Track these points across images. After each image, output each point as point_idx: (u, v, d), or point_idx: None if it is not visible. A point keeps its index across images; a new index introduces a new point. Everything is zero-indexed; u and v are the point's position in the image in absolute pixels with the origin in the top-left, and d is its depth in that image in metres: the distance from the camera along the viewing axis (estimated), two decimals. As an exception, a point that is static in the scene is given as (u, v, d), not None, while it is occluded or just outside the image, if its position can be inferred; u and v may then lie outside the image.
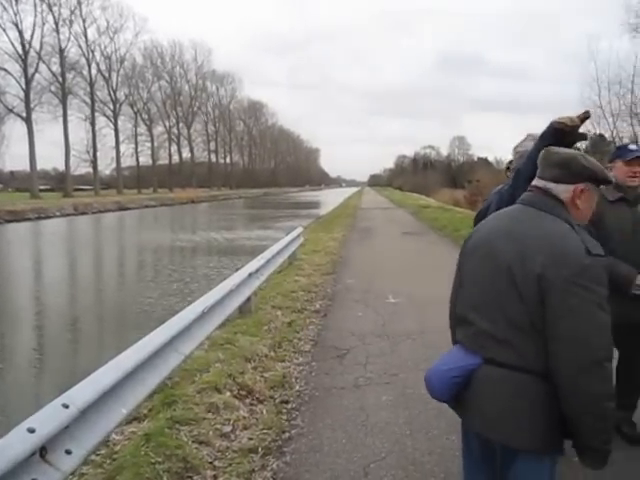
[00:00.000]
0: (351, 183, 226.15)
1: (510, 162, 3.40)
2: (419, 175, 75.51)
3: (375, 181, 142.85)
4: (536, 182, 2.01)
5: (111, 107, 67.17)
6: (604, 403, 1.76)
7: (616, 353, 3.63)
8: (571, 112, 2.48)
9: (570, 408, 1.79)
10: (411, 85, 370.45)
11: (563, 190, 1.91)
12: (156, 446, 3.32)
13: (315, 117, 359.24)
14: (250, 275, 6.59)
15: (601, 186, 1.99)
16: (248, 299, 6.56)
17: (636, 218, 3.30)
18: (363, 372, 4.87)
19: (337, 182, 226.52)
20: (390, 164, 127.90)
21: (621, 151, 3.39)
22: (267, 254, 8.11)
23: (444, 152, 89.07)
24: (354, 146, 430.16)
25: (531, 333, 1.81)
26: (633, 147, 3.38)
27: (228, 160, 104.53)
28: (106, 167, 70.15)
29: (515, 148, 3.26)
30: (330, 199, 57.65)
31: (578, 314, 1.75)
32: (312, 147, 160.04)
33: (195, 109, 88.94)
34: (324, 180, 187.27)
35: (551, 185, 1.93)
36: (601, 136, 22.30)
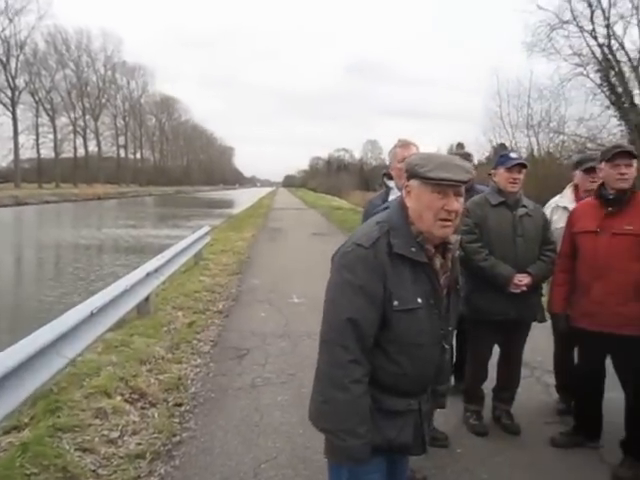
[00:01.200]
0: (266, 183, 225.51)
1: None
2: (333, 177, 76.56)
3: (290, 182, 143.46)
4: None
5: (9, 94, 62.83)
6: (329, 387, 1.82)
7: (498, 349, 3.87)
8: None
9: None
10: (326, 89, 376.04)
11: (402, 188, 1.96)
12: (33, 456, 3.14)
13: (230, 116, 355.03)
14: (148, 274, 6.38)
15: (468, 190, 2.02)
16: (147, 299, 6.34)
17: (516, 221, 3.51)
18: (261, 372, 4.85)
19: (252, 182, 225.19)
20: (305, 165, 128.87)
21: (503, 159, 3.60)
22: (168, 253, 7.88)
23: (357, 155, 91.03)
24: (269, 146, 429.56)
25: None
26: (514, 155, 3.61)
27: (138, 156, 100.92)
28: (2, 159, 65.61)
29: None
30: (244, 199, 57.10)
31: (327, 292, 1.89)
32: (226, 145, 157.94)
33: (103, 101, 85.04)
34: (239, 179, 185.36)
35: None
36: (502, 145, 23.63)
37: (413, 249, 1.82)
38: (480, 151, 24.88)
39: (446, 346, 1.97)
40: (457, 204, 1.82)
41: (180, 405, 4.14)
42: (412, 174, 1.86)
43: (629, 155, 3.20)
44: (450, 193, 1.81)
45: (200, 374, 4.81)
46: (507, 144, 21.05)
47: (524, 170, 3.56)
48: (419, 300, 1.83)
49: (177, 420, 3.90)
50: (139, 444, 3.52)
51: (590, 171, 3.77)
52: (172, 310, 6.76)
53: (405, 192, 1.89)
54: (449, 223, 1.83)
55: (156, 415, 3.92)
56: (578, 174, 3.94)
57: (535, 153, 19.12)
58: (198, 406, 4.16)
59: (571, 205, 3.78)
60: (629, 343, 3.16)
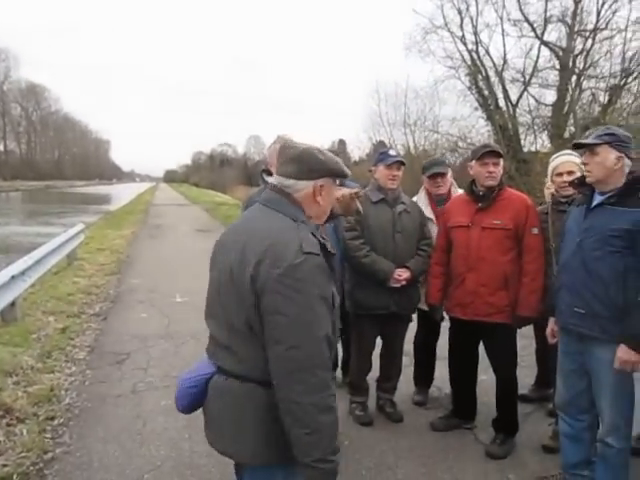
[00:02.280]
0: (145, 178, 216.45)
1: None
2: (216, 172, 75.24)
3: (171, 177, 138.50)
4: (272, 179, 1.96)
5: None
6: (315, 415, 1.62)
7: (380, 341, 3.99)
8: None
9: (282, 418, 1.65)
10: (211, 82, 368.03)
11: (304, 186, 1.79)
12: None
13: (107, 108, 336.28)
14: (14, 277, 5.83)
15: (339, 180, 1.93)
16: (12, 304, 5.81)
17: (395, 218, 3.64)
18: (143, 377, 4.63)
19: (130, 177, 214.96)
20: (187, 160, 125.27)
21: (382, 156, 3.70)
22: (37, 253, 7.27)
23: (240, 150, 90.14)
24: (149, 140, 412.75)
25: (250, 338, 1.70)
26: (392, 153, 3.73)
27: (2, 147, 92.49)
28: None
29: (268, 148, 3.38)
30: (123, 194, 54.41)
31: (287, 316, 1.62)
32: (102, 138, 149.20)
33: (-43, 86, 76.89)
34: (116, 174, 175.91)
35: (290, 182, 1.79)
36: (381, 142, 24.51)
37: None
38: (361, 148, 25.67)
39: None
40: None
41: (52, 419, 3.83)
42: (326, 173, 1.81)
43: (496, 154, 3.43)
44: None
45: (75, 383, 4.49)
46: (386, 141, 21.88)
47: (402, 167, 3.70)
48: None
49: (49, 435, 3.61)
50: (5, 466, 3.21)
51: (434, 177, 3.98)
52: (42, 315, 6.26)
53: (315, 189, 1.80)
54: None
55: (25, 432, 3.59)
56: (425, 179, 4.09)
57: (412, 150, 20.03)
58: (73, 418, 3.87)
59: (425, 208, 3.94)
60: (498, 330, 3.40)
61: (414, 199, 3.96)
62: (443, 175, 4.00)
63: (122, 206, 32.91)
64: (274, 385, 1.65)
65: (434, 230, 3.84)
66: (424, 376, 4.31)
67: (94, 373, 4.72)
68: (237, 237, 1.80)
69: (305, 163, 1.78)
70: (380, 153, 3.78)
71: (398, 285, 3.59)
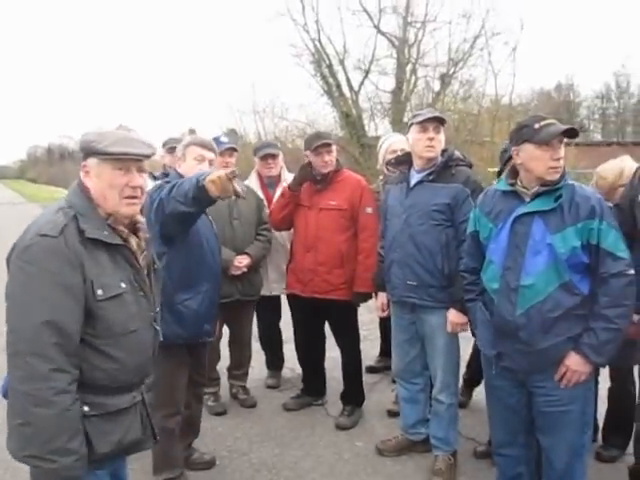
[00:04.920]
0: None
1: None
2: (56, 166, 69.49)
3: (3, 173, 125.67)
4: None
5: None
6: (29, 407, 1.57)
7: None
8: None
9: None
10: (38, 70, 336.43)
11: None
12: None
13: None
14: None
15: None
16: None
17: (231, 205, 3.62)
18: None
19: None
20: (22, 155, 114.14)
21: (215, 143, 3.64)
22: None
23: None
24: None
25: None
26: (224, 139, 3.70)
27: None
28: None
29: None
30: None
31: (9, 298, 1.64)
32: None
33: None
34: None
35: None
36: (233, 130, 24.31)
37: (106, 232, 1.72)
38: (210, 136, 25.16)
39: (157, 328, 1.91)
40: (141, 180, 1.78)
41: None
42: (89, 152, 1.74)
43: (327, 144, 3.55)
44: (133, 169, 1.75)
45: None
46: (236, 129, 21.74)
47: (235, 154, 3.69)
48: (123, 284, 1.74)
49: None
50: None
51: (265, 158, 4.03)
52: None
53: (83, 172, 1.76)
54: (136, 200, 1.77)
55: None
56: (257, 161, 4.12)
57: (263, 137, 20.11)
58: None
59: (257, 190, 3.97)
60: (338, 307, 3.55)
61: (246, 182, 3.97)
62: (274, 156, 4.05)
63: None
64: None
65: (267, 211, 3.89)
66: (274, 359, 4.38)
67: None
68: None
69: (80, 146, 1.76)
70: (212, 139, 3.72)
71: (239, 272, 3.59)
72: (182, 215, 2.50)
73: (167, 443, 2.65)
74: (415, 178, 2.98)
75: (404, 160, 3.09)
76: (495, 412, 2.54)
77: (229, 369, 4.07)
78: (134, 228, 1.85)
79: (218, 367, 3.97)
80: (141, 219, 1.87)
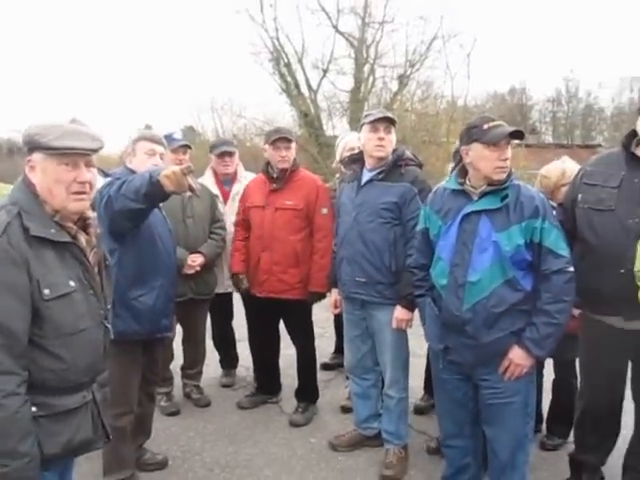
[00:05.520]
0: None
1: None
2: (5, 162, 67.09)
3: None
4: None
5: None
6: None
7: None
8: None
9: None
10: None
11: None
12: None
13: None
14: None
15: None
16: None
17: (185, 203, 3.59)
18: None
19: None
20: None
21: (167, 139, 3.56)
22: None
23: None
24: None
25: None
26: (178, 136, 3.66)
27: None
28: None
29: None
30: None
31: None
32: None
33: None
34: None
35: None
36: (190, 127, 24.02)
37: (53, 230, 1.67)
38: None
39: (108, 326, 1.88)
40: (89, 175, 1.73)
41: None
42: (33, 146, 1.68)
43: (287, 140, 3.56)
44: (80, 163, 1.70)
45: None
46: (194, 126, 21.49)
47: (189, 151, 3.66)
48: (72, 283, 1.70)
49: None
50: None
51: (222, 156, 4.02)
52: None
53: (28, 168, 1.71)
54: (84, 196, 1.73)
55: None
56: (213, 158, 4.10)
57: (221, 135, 19.94)
58: None
59: (212, 187, 3.96)
60: (294, 306, 3.56)
61: (200, 180, 3.95)
62: (231, 154, 4.03)
63: None
64: None
65: (222, 209, 3.90)
66: (228, 357, 4.37)
67: None
68: None
69: (23, 140, 1.72)
70: (164, 136, 3.67)
71: (192, 271, 3.56)
72: (132, 212, 2.46)
73: (118, 443, 2.61)
74: (366, 177, 3.03)
75: (357, 159, 3.13)
76: (443, 405, 2.61)
77: (183, 368, 4.04)
78: (84, 224, 1.80)
79: (171, 366, 3.93)
80: (91, 215, 1.83)
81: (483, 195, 2.32)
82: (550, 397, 3.36)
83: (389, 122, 2.97)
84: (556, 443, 3.29)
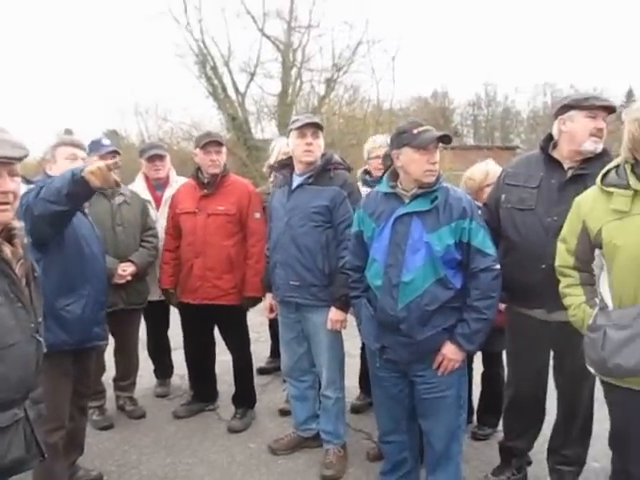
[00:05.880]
0: None
1: None
2: None
3: None
4: None
5: None
6: None
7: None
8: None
9: None
10: None
11: None
12: None
13: None
14: None
15: None
16: None
17: (114, 210, 3.49)
18: None
19: None
20: None
21: (95, 146, 3.51)
22: None
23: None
24: None
25: None
26: (106, 142, 3.56)
27: None
28: None
29: None
30: None
31: None
32: None
33: None
34: None
35: None
36: (113, 131, 23.26)
37: None
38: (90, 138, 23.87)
39: (40, 339, 1.80)
40: (13, 184, 1.66)
41: None
42: None
43: (217, 143, 3.53)
44: (3, 172, 1.63)
45: None
46: (118, 130, 20.82)
47: (118, 156, 3.54)
48: None
49: None
50: None
51: (153, 159, 3.93)
52: None
53: None
54: (7, 206, 1.66)
55: None
56: (144, 163, 4.01)
57: (146, 139, 19.42)
58: None
59: (143, 192, 3.87)
60: (228, 312, 3.54)
61: (130, 187, 3.84)
62: (162, 158, 3.96)
63: None
64: None
65: (154, 215, 3.81)
66: (163, 366, 4.28)
67: None
68: None
69: None
70: (92, 143, 3.56)
71: (123, 281, 3.46)
72: (54, 215, 2.37)
73: (50, 460, 2.47)
74: (296, 181, 3.05)
75: (286, 164, 3.15)
76: (380, 402, 2.68)
77: (115, 380, 3.90)
78: (8, 235, 1.72)
79: (103, 378, 3.79)
80: (17, 225, 1.74)
81: (414, 198, 2.40)
82: (480, 389, 3.52)
83: (316, 127, 3.01)
84: (487, 433, 3.45)
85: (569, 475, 2.75)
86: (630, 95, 33.10)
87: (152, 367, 4.29)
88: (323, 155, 3.06)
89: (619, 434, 2.13)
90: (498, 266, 2.38)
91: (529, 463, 2.98)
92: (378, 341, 2.51)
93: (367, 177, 3.69)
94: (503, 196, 2.67)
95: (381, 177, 2.87)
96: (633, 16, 54.55)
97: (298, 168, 3.06)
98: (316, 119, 3.08)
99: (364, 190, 3.28)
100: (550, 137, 2.62)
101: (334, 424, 3.17)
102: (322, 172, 3.01)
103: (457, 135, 32.28)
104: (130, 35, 39.85)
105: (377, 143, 3.68)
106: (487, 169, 3.27)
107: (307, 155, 2.98)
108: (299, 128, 2.97)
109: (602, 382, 2.13)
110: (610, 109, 2.48)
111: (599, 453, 2.93)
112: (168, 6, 17.30)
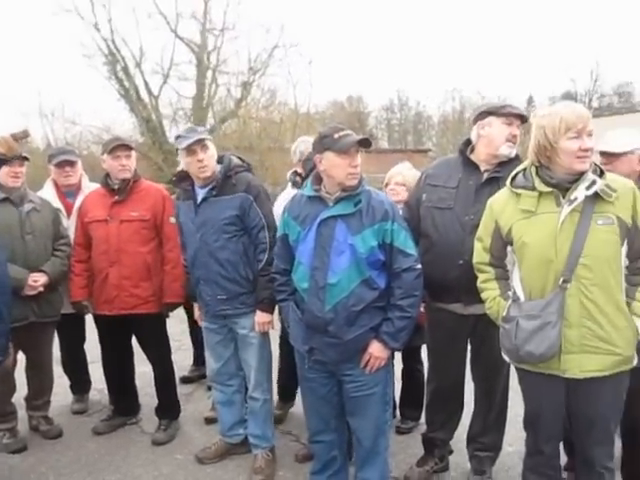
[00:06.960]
0: None
1: None
2: None
3: None
4: None
5: None
6: None
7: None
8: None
9: None
10: None
11: None
12: None
13: None
14: None
15: None
16: None
17: (23, 218, 3.29)
18: None
19: None
20: None
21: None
22: None
23: None
24: None
25: None
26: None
27: None
28: None
29: None
30: None
31: None
32: None
33: None
34: None
35: None
36: (24, 131, 21.98)
37: None
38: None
39: None
40: None
41: None
42: None
43: (127, 147, 3.43)
44: None
45: None
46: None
47: (26, 162, 3.36)
48: None
49: None
50: None
51: (62, 165, 3.76)
52: None
53: None
54: None
55: None
56: (53, 169, 3.81)
57: (52, 143, 18.45)
58: None
59: (53, 200, 3.68)
60: (147, 320, 3.44)
61: (39, 193, 3.64)
62: (72, 163, 3.78)
63: None
64: None
65: (65, 223, 3.63)
66: (80, 382, 4.09)
67: None
68: None
69: None
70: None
71: (34, 292, 3.26)
72: None
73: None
74: (200, 194, 3.00)
75: (185, 177, 3.06)
76: (309, 403, 2.71)
77: (27, 399, 3.66)
78: None
79: (14, 399, 3.53)
80: None
81: (338, 201, 2.44)
82: (400, 384, 3.63)
83: (202, 141, 2.91)
84: (409, 426, 3.58)
85: (487, 460, 2.91)
86: (530, 101, 35.47)
87: (68, 383, 4.09)
88: (220, 161, 3.02)
89: (532, 416, 2.30)
90: (419, 266, 2.47)
91: (451, 452, 3.12)
92: (306, 343, 2.53)
93: (297, 178, 3.69)
94: (424, 195, 2.79)
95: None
96: (533, 27, 58.62)
97: (197, 182, 3.01)
98: (199, 134, 2.93)
99: (292, 191, 3.29)
100: (468, 142, 2.77)
101: (262, 427, 3.16)
102: (224, 180, 2.97)
103: (372, 138, 33.08)
104: (34, 31, 37.68)
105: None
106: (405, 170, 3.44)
107: (202, 171, 2.93)
108: (186, 149, 2.89)
109: (517, 369, 2.31)
110: (523, 118, 2.65)
111: (512, 437, 3.12)
112: (74, 3, 16.55)
